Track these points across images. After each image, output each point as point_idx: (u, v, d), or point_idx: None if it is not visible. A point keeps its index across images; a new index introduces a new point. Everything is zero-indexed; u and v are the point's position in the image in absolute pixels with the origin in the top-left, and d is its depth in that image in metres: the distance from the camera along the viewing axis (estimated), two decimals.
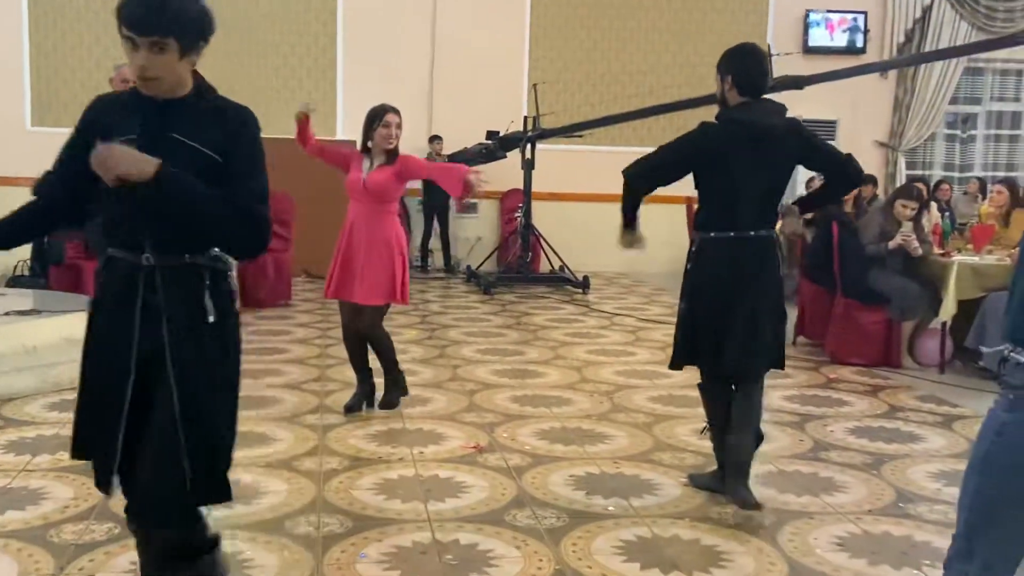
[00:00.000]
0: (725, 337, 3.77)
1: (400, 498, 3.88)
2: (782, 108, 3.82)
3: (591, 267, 11.00)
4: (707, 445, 4.63)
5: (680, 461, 4.46)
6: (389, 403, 5.20)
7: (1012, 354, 2.00)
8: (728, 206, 3.77)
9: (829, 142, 4.22)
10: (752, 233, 3.76)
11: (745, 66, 3.79)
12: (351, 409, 5.09)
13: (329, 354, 6.61)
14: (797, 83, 7.25)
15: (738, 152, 3.72)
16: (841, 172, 3.95)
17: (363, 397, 5.17)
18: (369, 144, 5.03)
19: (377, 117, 5.00)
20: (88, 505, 3.71)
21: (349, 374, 5.96)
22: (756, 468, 4.34)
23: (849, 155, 3.95)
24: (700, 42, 12.25)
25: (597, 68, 12.16)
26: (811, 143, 3.90)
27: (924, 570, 3.32)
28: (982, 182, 11.83)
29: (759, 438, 3.95)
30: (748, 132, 3.72)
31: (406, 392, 5.31)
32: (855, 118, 12.61)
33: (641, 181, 3.92)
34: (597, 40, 12.21)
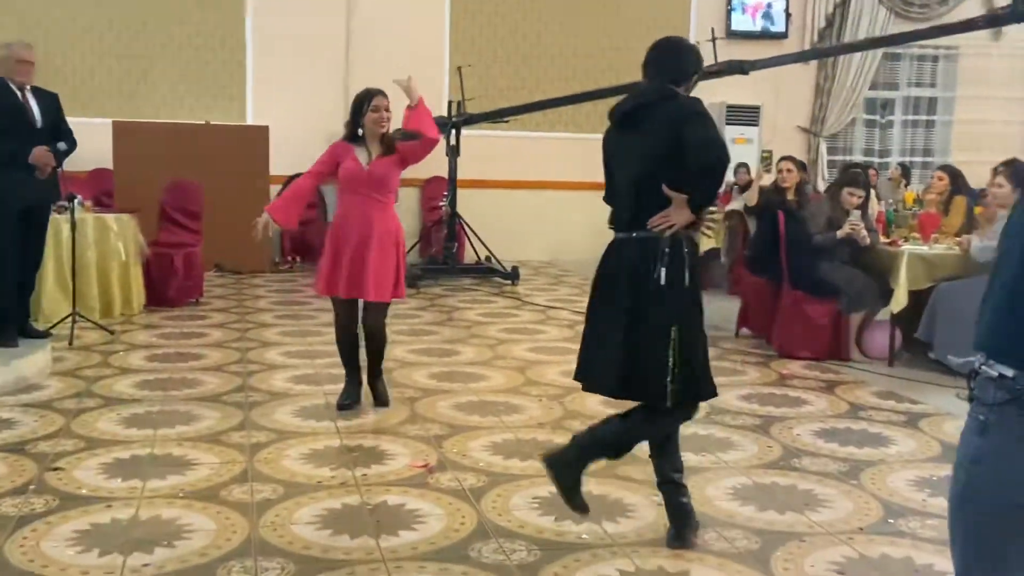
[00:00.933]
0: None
1: (348, 532, 3.44)
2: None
3: (516, 256, 10.64)
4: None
5: (648, 476, 4.10)
6: (387, 400, 5.07)
7: (984, 367, 1.67)
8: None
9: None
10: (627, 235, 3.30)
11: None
12: (346, 407, 4.92)
13: (251, 359, 6.08)
14: (742, 68, 6.98)
15: None
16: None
17: (356, 392, 5.03)
18: (360, 132, 4.77)
19: (365, 100, 4.71)
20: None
21: (274, 382, 5.50)
22: (730, 479, 4.06)
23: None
24: (624, 26, 11.96)
25: (520, 51, 11.76)
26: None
27: None
28: (904, 167, 11.82)
29: (609, 449, 3.44)
30: None
31: None
32: (778, 104, 12.50)
33: None
34: (519, 22, 11.79)
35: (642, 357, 3.16)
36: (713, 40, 6.84)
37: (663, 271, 3.15)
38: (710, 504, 3.79)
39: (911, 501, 3.88)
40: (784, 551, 3.37)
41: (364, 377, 5.10)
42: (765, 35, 12.24)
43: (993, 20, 6.23)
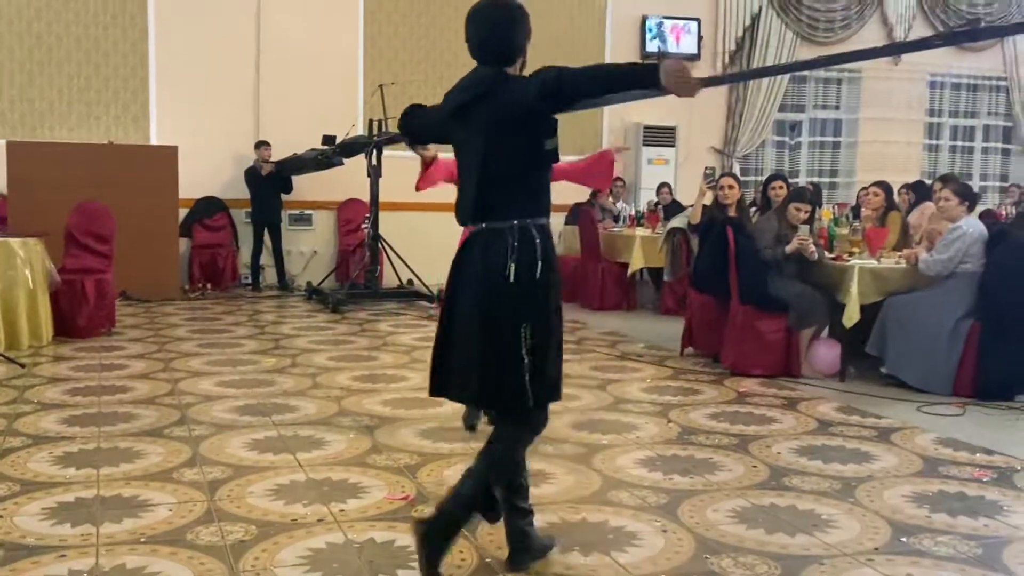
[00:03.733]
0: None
1: (340, 574, 3.11)
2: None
3: (436, 279, 10.31)
4: (658, 480, 4.17)
5: (643, 500, 3.90)
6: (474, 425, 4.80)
7: None
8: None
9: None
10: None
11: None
12: (474, 427, 4.73)
13: (184, 390, 5.64)
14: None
15: None
16: None
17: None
18: None
19: None
20: None
21: (215, 413, 5.10)
22: (728, 502, 3.88)
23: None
24: (541, 46, 11.84)
25: (436, 69, 11.52)
26: None
27: None
28: (815, 186, 12.01)
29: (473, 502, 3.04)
30: None
31: None
32: (691, 124, 12.59)
33: None
34: (435, 39, 11.57)
35: (496, 360, 2.93)
36: (661, 56, 6.73)
37: (512, 266, 2.92)
38: (716, 529, 3.59)
39: (915, 518, 3.76)
40: None
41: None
42: (677, 57, 12.29)
43: (949, 38, 6.28)
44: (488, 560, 3.26)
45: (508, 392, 2.94)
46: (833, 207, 10.70)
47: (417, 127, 3.43)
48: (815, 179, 13.27)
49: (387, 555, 3.28)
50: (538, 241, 2.95)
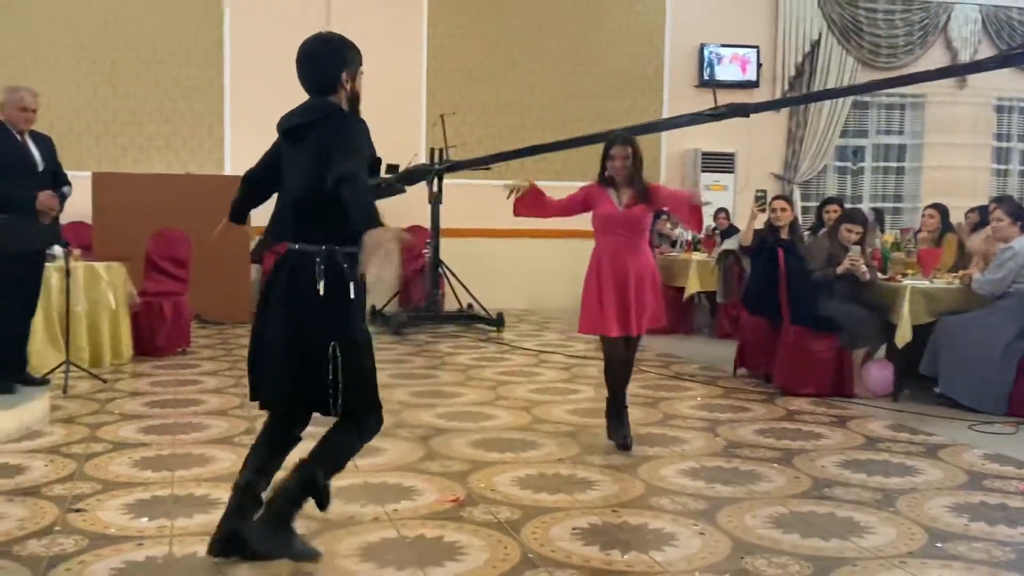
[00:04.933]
0: None
1: (393, 564, 3.33)
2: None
3: (496, 304, 10.57)
4: (700, 488, 4.31)
5: (683, 506, 4.05)
6: (628, 437, 5.07)
7: None
8: None
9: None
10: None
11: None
12: (627, 447, 4.99)
13: (252, 404, 5.91)
14: (745, 110, 7.07)
15: None
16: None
17: (626, 425, 5.10)
18: (607, 174, 5.08)
19: (606, 150, 5.08)
20: None
21: None
22: (766, 508, 4.00)
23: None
24: (600, 76, 12.13)
25: (496, 101, 11.83)
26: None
27: None
28: (877, 212, 12.00)
29: (310, 484, 3.25)
30: None
31: None
32: (751, 150, 12.68)
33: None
34: (496, 72, 11.88)
35: (308, 371, 3.12)
36: (713, 86, 6.94)
37: (321, 284, 3.11)
38: (751, 532, 3.73)
39: (953, 526, 3.84)
40: None
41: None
42: (737, 84, 12.44)
43: (1003, 61, 6.35)
44: (531, 556, 3.44)
45: (320, 402, 3.15)
46: (897, 232, 10.74)
47: (243, 191, 3.57)
48: (877, 204, 13.23)
49: (434, 549, 3.49)
50: (345, 265, 3.12)
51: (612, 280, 4.95)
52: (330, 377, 3.09)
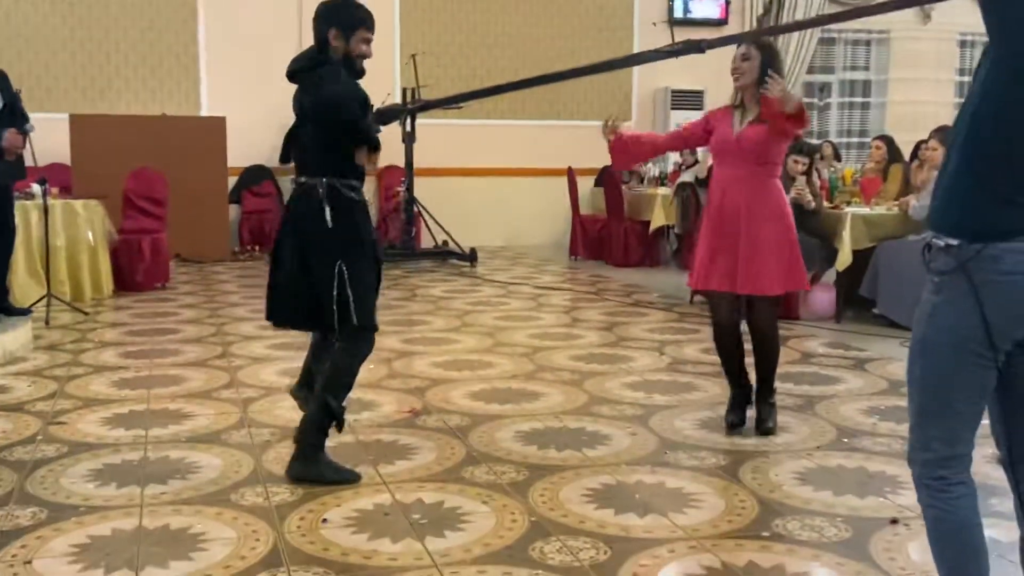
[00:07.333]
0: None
1: (349, 463, 3.67)
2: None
3: (471, 242, 10.85)
4: (642, 398, 4.64)
5: (620, 412, 4.41)
6: (768, 429, 4.11)
7: (934, 240, 2.02)
8: None
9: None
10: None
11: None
12: (736, 426, 4.15)
13: (227, 331, 6.26)
14: (699, 47, 7.25)
15: None
16: None
17: (743, 408, 4.23)
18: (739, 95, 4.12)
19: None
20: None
21: (254, 348, 5.69)
22: (698, 413, 4.35)
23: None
24: (573, 14, 12.30)
25: (470, 40, 12.00)
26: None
27: (887, 496, 3.37)
28: (834, 146, 12.27)
29: (327, 409, 3.55)
30: None
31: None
32: (719, 88, 12.88)
33: None
34: (468, 11, 12.04)
35: (319, 291, 3.51)
36: (671, 23, 7.08)
37: (328, 212, 3.48)
38: (679, 433, 4.09)
39: (862, 425, 4.24)
40: (750, 465, 3.67)
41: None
42: (705, 22, 12.62)
43: None
44: (474, 454, 3.79)
45: (329, 319, 3.50)
46: (858, 166, 11.03)
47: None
48: (835, 139, 13.48)
49: (388, 450, 3.84)
50: (349, 195, 3.53)
51: (718, 221, 4.03)
52: (335, 293, 3.46)
